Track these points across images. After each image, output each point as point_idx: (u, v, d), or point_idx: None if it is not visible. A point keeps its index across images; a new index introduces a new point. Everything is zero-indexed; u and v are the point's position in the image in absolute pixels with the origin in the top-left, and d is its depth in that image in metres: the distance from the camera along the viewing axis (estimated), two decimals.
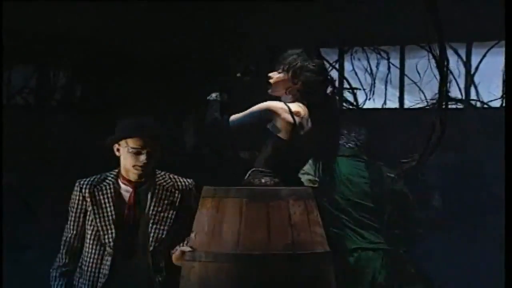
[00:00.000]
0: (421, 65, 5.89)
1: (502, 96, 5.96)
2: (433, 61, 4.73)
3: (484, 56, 6.24)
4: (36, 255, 5.98)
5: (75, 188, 2.99)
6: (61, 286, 2.96)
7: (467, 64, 6.30)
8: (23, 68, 6.87)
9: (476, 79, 6.32)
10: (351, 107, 6.55)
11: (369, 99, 6.55)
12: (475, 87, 6.32)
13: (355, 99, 6.58)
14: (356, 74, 6.56)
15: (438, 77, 4.73)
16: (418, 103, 6.30)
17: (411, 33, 5.80)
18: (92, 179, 2.99)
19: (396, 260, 3.93)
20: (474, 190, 5.75)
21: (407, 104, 6.53)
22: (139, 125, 2.97)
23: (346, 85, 6.63)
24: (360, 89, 6.54)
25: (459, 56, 6.25)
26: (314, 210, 2.99)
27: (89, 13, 5.74)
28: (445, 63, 4.67)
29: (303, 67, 3.18)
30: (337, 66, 6.62)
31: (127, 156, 2.91)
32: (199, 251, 2.84)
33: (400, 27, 5.77)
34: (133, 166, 2.90)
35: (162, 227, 2.93)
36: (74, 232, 3.00)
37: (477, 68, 6.29)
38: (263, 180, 3.11)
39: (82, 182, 2.99)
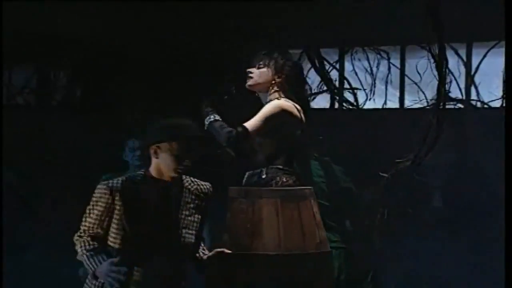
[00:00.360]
0: (421, 65, 5.89)
1: (502, 97, 5.96)
2: (432, 61, 4.74)
3: (485, 56, 6.24)
4: (36, 255, 5.99)
5: (101, 187, 2.83)
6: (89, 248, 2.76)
7: (467, 64, 6.31)
8: (23, 68, 6.88)
9: (476, 79, 6.32)
10: (351, 107, 6.56)
11: (370, 99, 6.55)
12: (476, 87, 6.32)
13: (356, 99, 6.58)
14: (356, 74, 6.56)
15: (436, 78, 4.74)
16: (417, 103, 6.30)
17: (411, 34, 5.80)
18: (120, 179, 2.85)
19: (353, 258, 4.01)
20: (474, 190, 5.75)
21: (407, 104, 6.54)
22: (185, 128, 2.84)
23: (346, 85, 6.64)
24: (360, 89, 6.54)
25: (459, 56, 6.25)
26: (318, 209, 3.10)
27: (89, 13, 5.74)
28: (445, 63, 4.67)
29: (286, 62, 3.22)
30: (337, 66, 6.62)
31: (169, 159, 2.78)
32: (241, 253, 2.84)
33: (401, 27, 5.77)
34: (174, 169, 2.79)
35: (190, 231, 2.84)
36: (97, 230, 2.80)
37: (477, 68, 6.29)
38: (284, 179, 3.08)
39: (110, 183, 2.84)
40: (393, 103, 6.56)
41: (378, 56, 6.50)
